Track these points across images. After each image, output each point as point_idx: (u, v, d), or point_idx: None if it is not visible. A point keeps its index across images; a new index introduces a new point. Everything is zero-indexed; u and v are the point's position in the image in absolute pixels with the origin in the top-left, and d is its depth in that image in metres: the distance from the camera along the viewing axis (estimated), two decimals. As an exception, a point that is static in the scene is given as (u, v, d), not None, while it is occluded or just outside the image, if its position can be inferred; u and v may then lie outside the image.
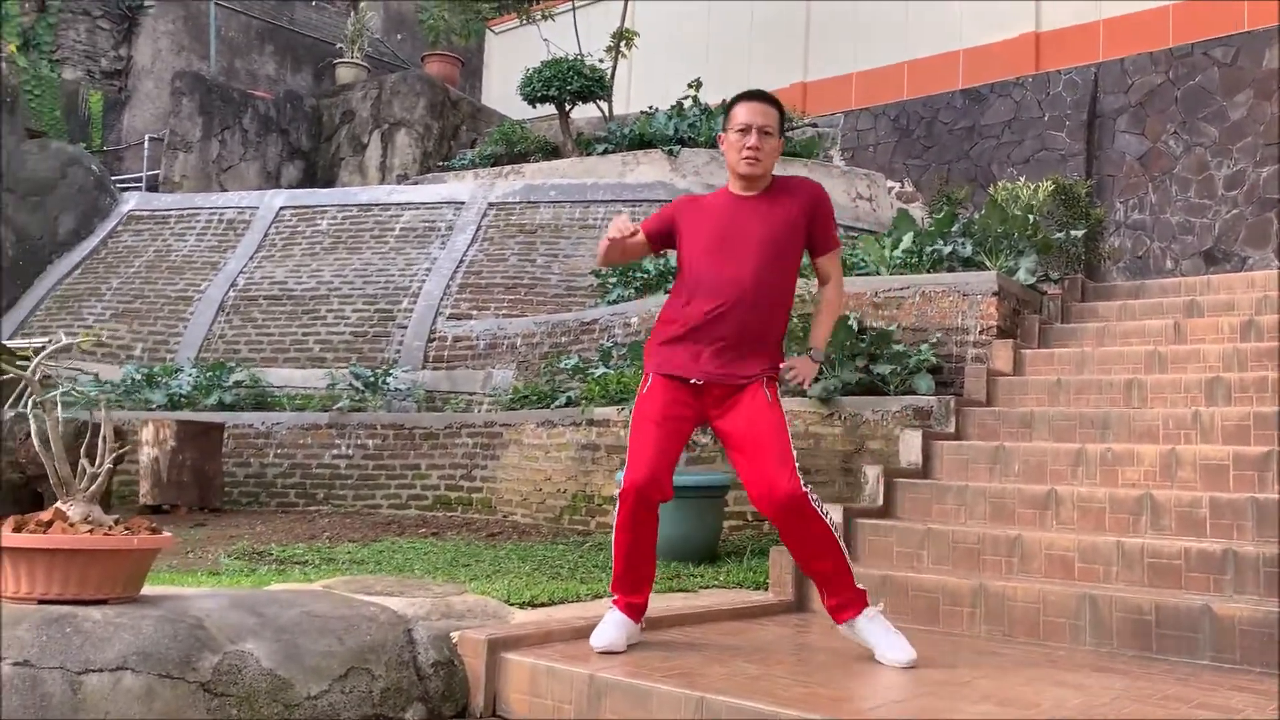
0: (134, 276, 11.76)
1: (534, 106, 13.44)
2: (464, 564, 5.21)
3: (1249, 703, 2.95)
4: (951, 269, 7.27)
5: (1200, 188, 10.57)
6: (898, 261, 7.42)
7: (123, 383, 9.50)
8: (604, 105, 13.49)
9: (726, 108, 3.52)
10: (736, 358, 3.37)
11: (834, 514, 4.57)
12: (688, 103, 12.66)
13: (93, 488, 3.08)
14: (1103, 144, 11.36)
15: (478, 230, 11.38)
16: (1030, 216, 7.59)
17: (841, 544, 3.34)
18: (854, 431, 5.99)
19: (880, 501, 4.94)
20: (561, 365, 8.31)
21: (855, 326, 6.44)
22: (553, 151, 13.37)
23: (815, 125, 13.44)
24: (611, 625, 3.32)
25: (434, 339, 10.11)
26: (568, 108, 13.19)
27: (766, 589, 4.50)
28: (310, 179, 14.82)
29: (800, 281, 3.92)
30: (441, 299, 10.48)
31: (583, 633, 3.38)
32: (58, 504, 3.05)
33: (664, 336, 3.46)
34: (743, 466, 3.31)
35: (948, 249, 7.34)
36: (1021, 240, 7.38)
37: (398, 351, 10.10)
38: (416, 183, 13.29)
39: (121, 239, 12.46)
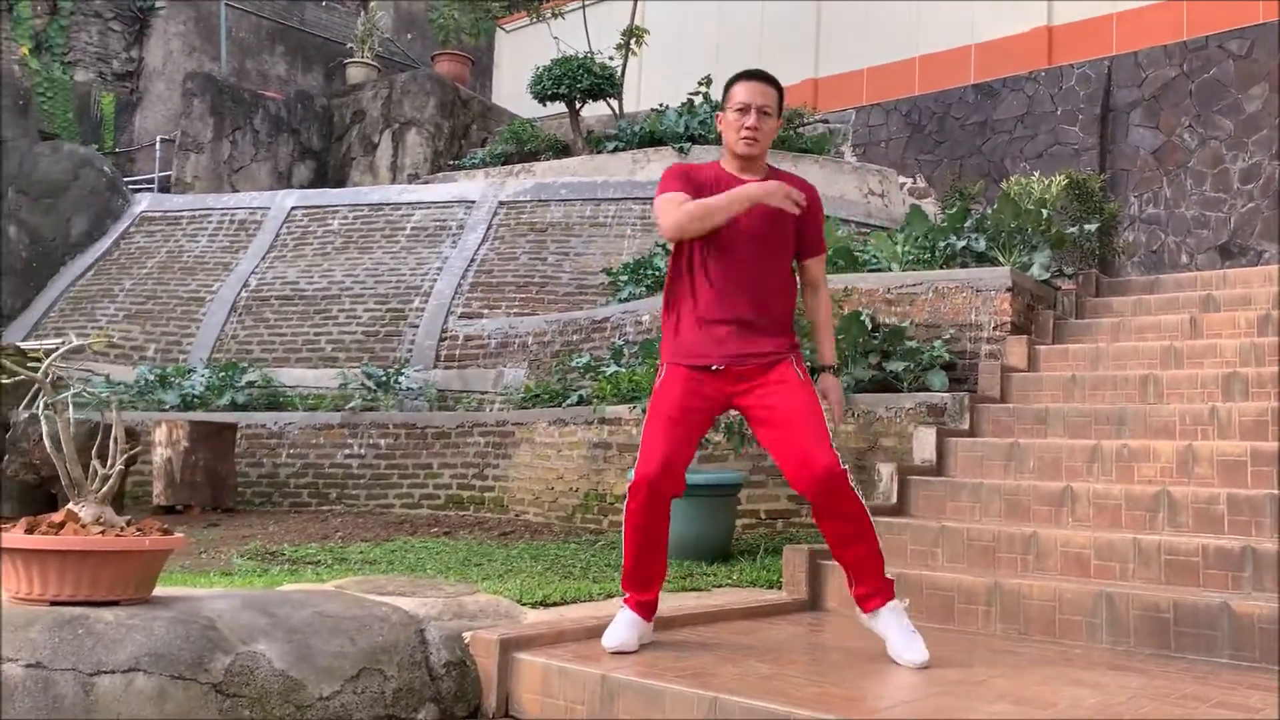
0: (146, 277, 11.80)
1: (544, 105, 13.43)
2: (476, 563, 5.20)
3: (1268, 701, 2.92)
4: (965, 265, 7.23)
5: (1215, 181, 10.49)
6: (910, 258, 7.38)
7: (136, 383, 9.53)
8: (614, 103, 13.47)
9: (725, 87, 3.48)
10: (757, 335, 3.33)
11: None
12: (698, 100, 12.63)
13: (104, 489, 3.08)
14: (1116, 138, 11.29)
15: (489, 229, 11.38)
16: (1044, 211, 7.54)
17: (875, 528, 3.30)
18: (867, 429, 5.96)
19: (894, 499, 4.92)
20: (573, 364, 8.30)
21: (868, 323, 6.40)
22: (563, 150, 13.36)
23: (826, 121, 13.39)
24: (623, 625, 3.30)
25: (445, 338, 10.11)
26: (578, 106, 13.17)
27: (780, 588, 4.47)
28: (321, 179, 14.84)
29: None
30: (453, 298, 10.48)
31: (595, 632, 3.36)
32: (70, 505, 3.05)
33: (679, 324, 3.39)
34: (778, 444, 3.24)
35: (961, 245, 7.30)
36: (1035, 235, 7.33)
37: (409, 351, 10.10)
38: (427, 182, 13.30)
39: (134, 240, 12.49)
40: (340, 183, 14.52)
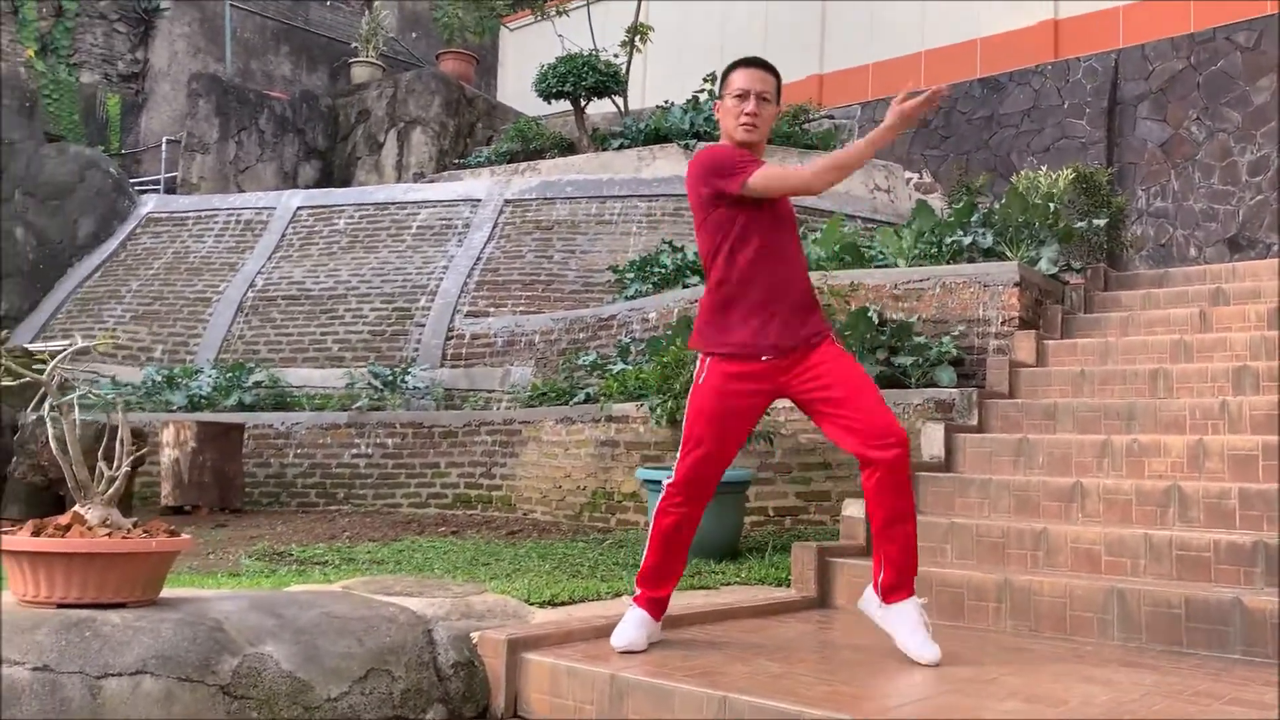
0: (153, 278, 11.81)
1: (549, 103, 13.41)
2: (484, 563, 5.20)
3: (1283, 698, 2.90)
4: (972, 260, 7.21)
5: (1224, 174, 10.44)
6: (917, 253, 7.35)
7: (143, 384, 9.54)
8: (619, 100, 13.45)
9: (723, 75, 3.45)
10: (802, 318, 3.30)
11: (855, 509, 4.56)
12: (703, 96, 12.61)
13: (111, 491, 3.07)
14: (1124, 131, 11.24)
15: (494, 227, 11.37)
16: (1051, 205, 7.51)
17: None
18: (875, 425, 5.93)
19: (903, 496, 4.89)
20: (580, 362, 8.29)
21: (875, 319, 6.38)
22: (568, 148, 13.35)
23: (832, 117, 13.36)
24: (631, 625, 3.28)
25: (452, 337, 10.11)
26: (583, 103, 13.16)
27: (788, 585, 4.45)
28: (327, 179, 14.85)
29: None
30: (459, 297, 10.47)
31: (604, 632, 3.35)
32: (76, 507, 3.04)
33: (723, 314, 3.30)
34: (849, 418, 3.18)
35: (968, 240, 7.27)
36: (1043, 230, 7.30)
37: (416, 350, 10.10)
38: (433, 181, 13.30)
39: (140, 241, 12.51)
40: (346, 182, 14.53)
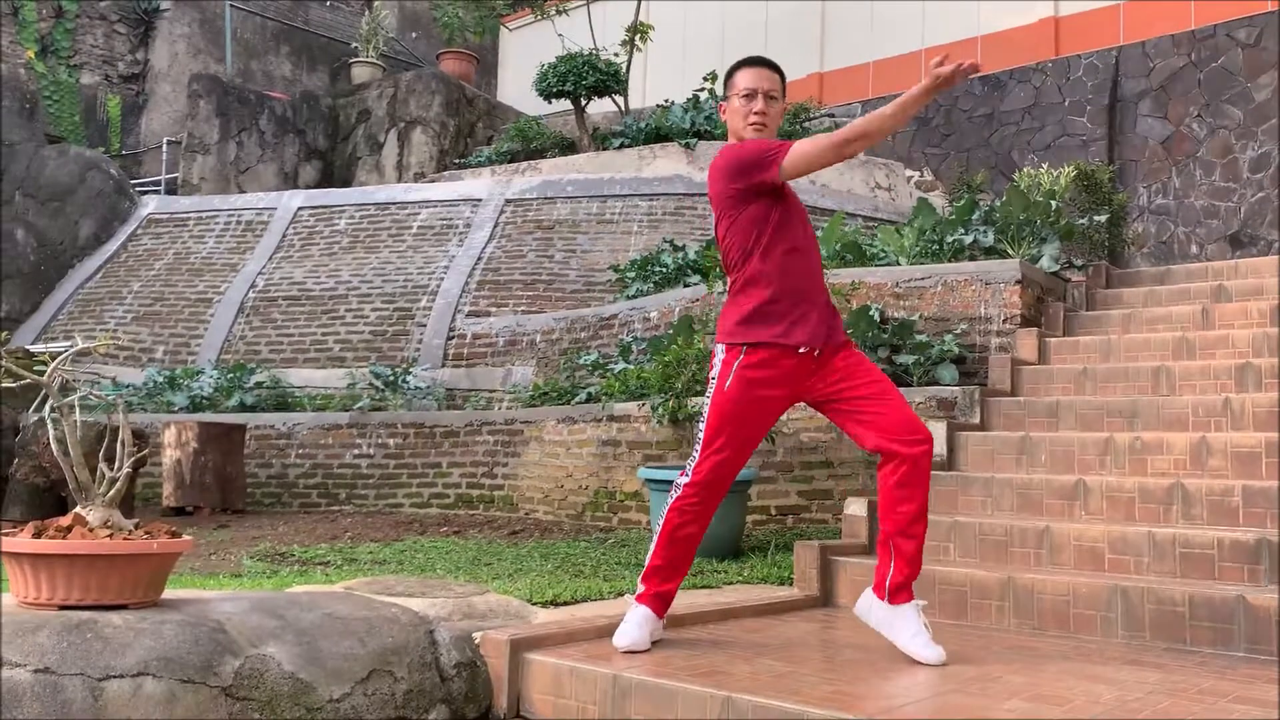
0: (154, 279, 11.81)
1: (549, 102, 13.39)
2: (486, 563, 5.19)
3: (1288, 696, 2.89)
4: (973, 258, 7.20)
5: (1225, 171, 10.43)
6: (918, 251, 7.34)
7: (144, 385, 9.54)
8: (619, 99, 13.44)
9: (726, 75, 3.44)
10: (830, 322, 3.32)
11: (857, 507, 4.55)
12: (703, 95, 12.60)
13: (112, 492, 3.07)
14: (1124, 128, 11.23)
15: (495, 227, 11.36)
16: (1053, 203, 7.50)
17: None
18: (877, 423, 5.92)
19: (905, 494, 4.88)
20: (581, 361, 8.28)
21: (877, 317, 6.37)
22: (569, 147, 13.34)
23: (833, 115, 13.33)
24: (635, 624, 3.27)
25: (453, 337, 10.10)
26: (583, 103, 13.14)
27: (791, 584, 4.45)
28: (327, 179, 14.84)
29: None
30: (460, 296, 10.47)
31: (606, 631, 3.35)
32: (77, 509, 3.03)
33: (755, 306, 3.26)
34: (875, 413, 3.20)
35: (969, 238, 7.26)
36: (1044, 227, 7.29)
37: (417, 350, 10.09)
38: (433, 181, 13.29)
39: (141, 242, 12.51)
40: (346, 182, 14.52)
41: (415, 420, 8.47)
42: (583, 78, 12.75)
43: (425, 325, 10.30)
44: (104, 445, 3.21)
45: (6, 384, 3.27)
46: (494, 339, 9.87)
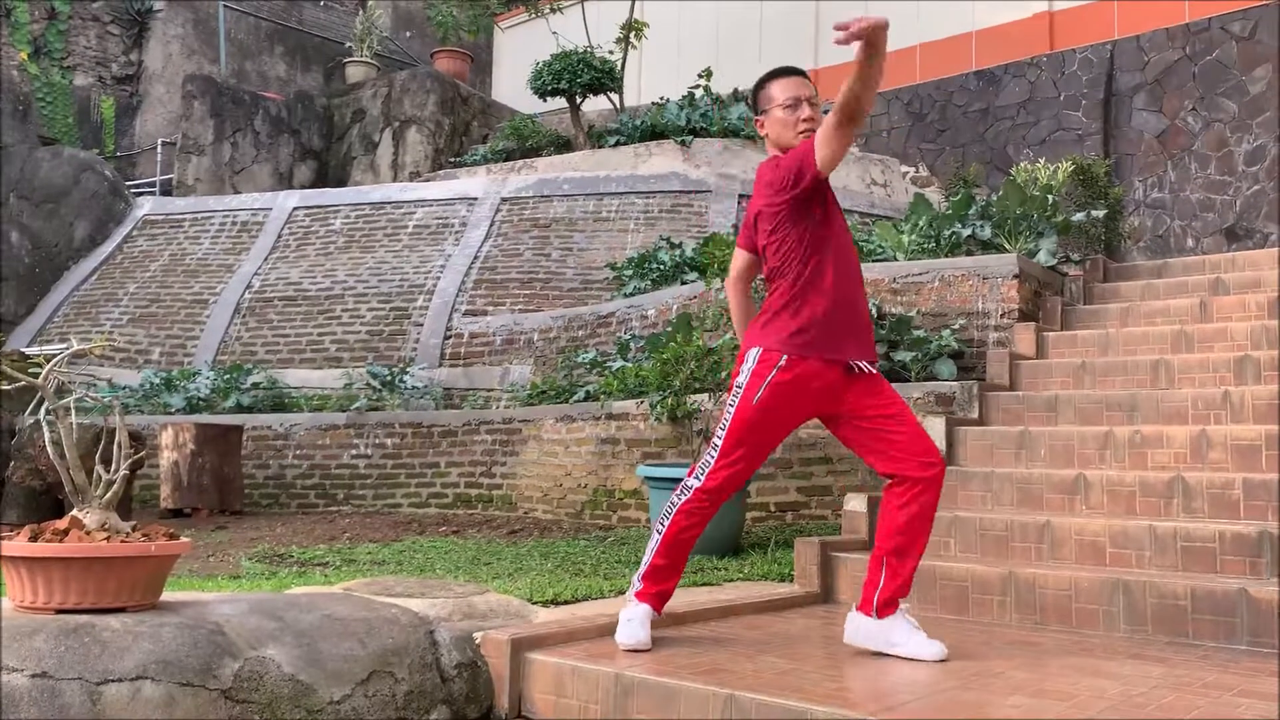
0: (150, 281, 11.78)
1: (544, 100, 13.37)
2: (485, 562, 5.18)
3: (1291, 689, 2.88)
4: (970, 253, 7.19)
5: (1220, 164, 10.42)
6: (915, 246, 7.33)
7: (141, 387, 9.51)
8: (615, 97, 13.42)
9: (756, 90, 3.41)
10: (870, 343, 3.35)
11: (857, 503, 4.54)
12: (699, 93, 12.58)
13: (109, 494, 3.05)
14: (1120, 122, 11.22)
15: (491, 225, 11.34)
16: (1049, 197, 7.49)
17: None
18: (876, 419, 5.91)
19: (905, 490, 4.87)
20: (579, 360, 8.27)
21: (874, 313, 6.36)
22: (564, 145, 13.32)
23: (827, 112, 13.31)
24: (638, 622, 3.26)
25: (450, 336, 10.08)
26: (578, 100, 13.12)
27: (791, 581, 4.44)
28: (322, 179, 14.81)
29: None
30: (457, 295, 10.45)
31: (607, 630, 3.33)
32: (74, 511, 3.02)
33: (801, 312, 3.22)
34: (895, 434, 3.23)
35: (966, 232, 7.25)
36: (1041, 221, 7.28)
37: (414, 349, 10.07)
38: (429, 180, 13.27)
39: (137, 244, 12.48)
40: (341, 182, 14.50)
41: (413, 420, 8.45)
42: (577, 75, 12.72)
43: (422, 325, 10.27)
44: (100, 447, 3.19)
45: (2, 387, 3.25)
46: (491, 338, 9.85)
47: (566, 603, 3.88)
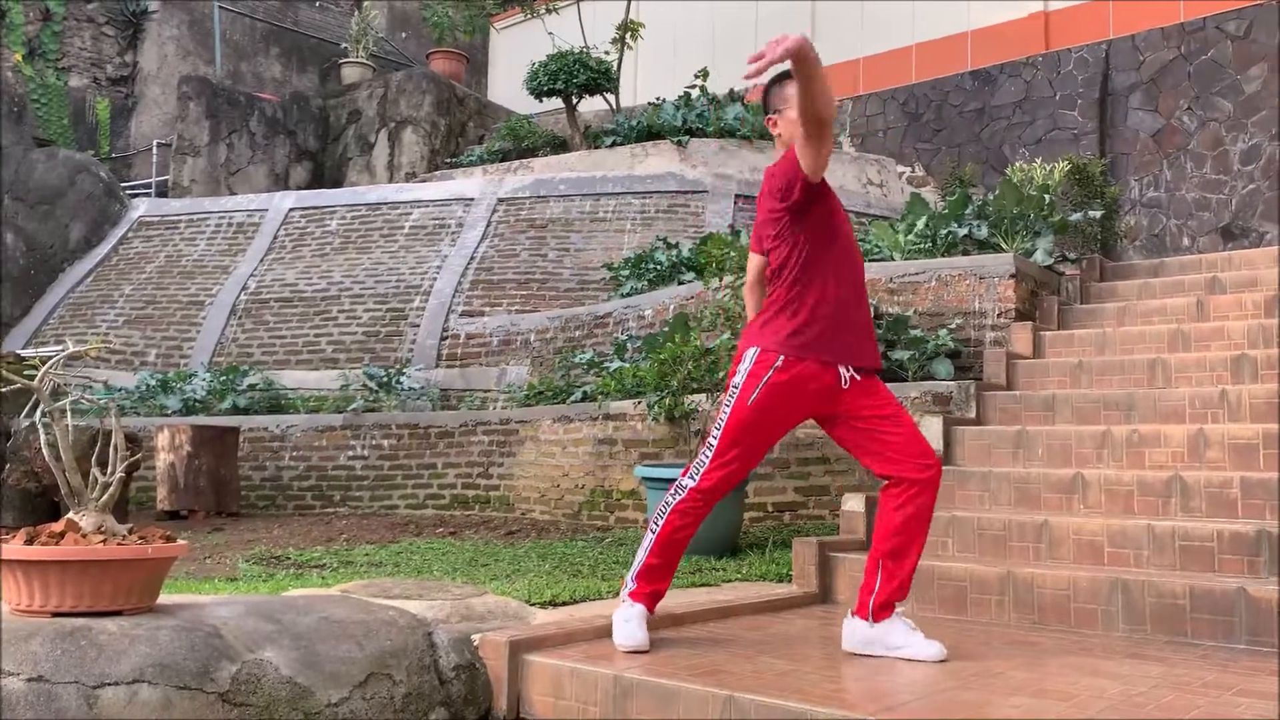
0: (146, 282, 11.76)
1: (540, 101, 13.36)
2: (483, 564, 5.17)
3: (1291, 688, 2.88)
4: (966, 252, 7.19)
5: (1216, 163, 10.43)
6: (912, 246, 7.33)
7: (137, 389, 9.49)
8: (611, 97, 13.42)
9: (767, 91, 3.40)
10: (872, 347, 3.35)
11: (855, 503, 4.53)
12: (695, 93, 12.58)
13: (105, 497, 3.04)
14: (1115, 122, 11.23)
15: (488, 226, 11.33)
16: (1046, 197, 7.49)
17: None
18: (873, 419, 5.91)
19: (903, 490, 4.86)
20: (576, 360, 8.26)
21: (871, 312, 6.35)
22: (561, 145, 13.31)
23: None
24: (635, 623, 3.25)
25: (447, 337, 10.07)
26: (574, 101, 13.12)
27: (789, 581, 4.43)
28: (318, 180, 14.79)
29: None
30: (453, 296, 10.44)
31: (605, 631, 3.32)
32: (70, 514, 3.00)
33: (804, 314, 3.22)
34: (891, 435, 3.23)
35: (962, 232, 7.25)
36: (1038, 221, 7.28)
37: (411, 350, 10.06)
38: (425, 180, 13.25)
39: (132, 245, 12.45)
40: (337, 183, 14.48)
41: (409, 421, 8.44)
42: (574, 76, 12.72)
43: (419, 326, 10.26)
44: (97, 450, 3.19)
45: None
46: (488, 339, 9.84)
47: (564, 604, 3.87)
